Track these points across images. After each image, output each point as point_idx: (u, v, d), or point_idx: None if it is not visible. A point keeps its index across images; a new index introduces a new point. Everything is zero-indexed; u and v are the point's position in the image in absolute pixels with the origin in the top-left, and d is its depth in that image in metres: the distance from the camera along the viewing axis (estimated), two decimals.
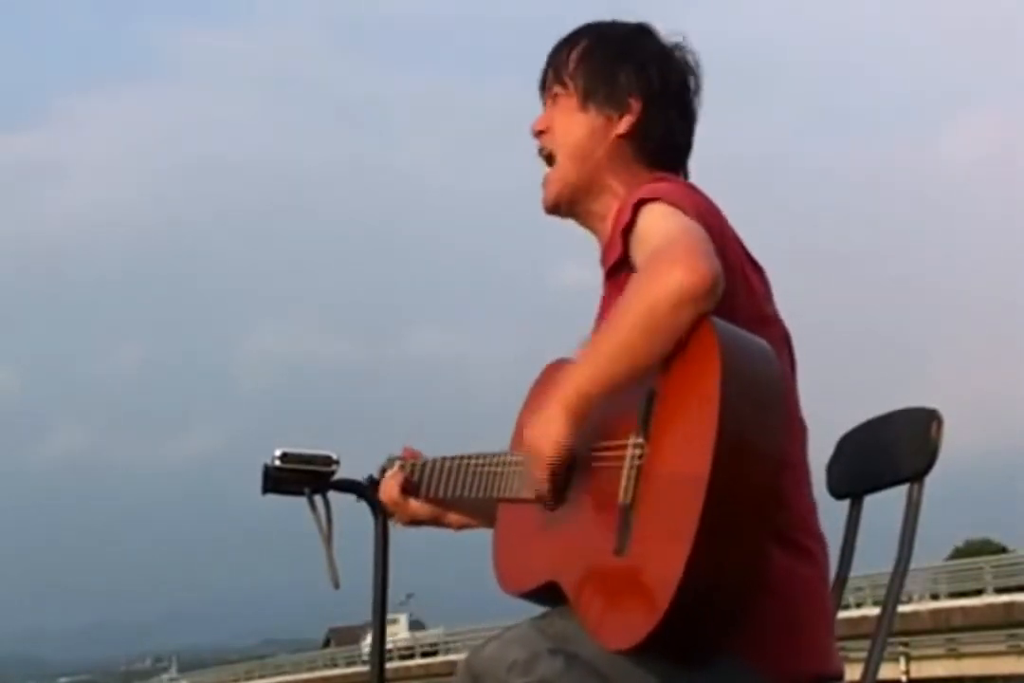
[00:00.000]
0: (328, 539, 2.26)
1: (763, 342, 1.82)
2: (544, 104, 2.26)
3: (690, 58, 2.22)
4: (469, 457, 2.25)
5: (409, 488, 2.32)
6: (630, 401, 1.85)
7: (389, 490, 2.33)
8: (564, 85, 2.21)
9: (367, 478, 2.41)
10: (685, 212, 1.93)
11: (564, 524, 1.97)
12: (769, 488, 1.74)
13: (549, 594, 2.00)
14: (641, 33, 2.23)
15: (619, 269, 2.00)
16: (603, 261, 2.10)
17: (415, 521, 2.37)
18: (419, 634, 57.98)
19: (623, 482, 1.82)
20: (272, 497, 2.29)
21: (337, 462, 2.29)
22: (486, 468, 2.19)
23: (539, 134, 2.24)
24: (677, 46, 2.22)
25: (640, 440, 1.82)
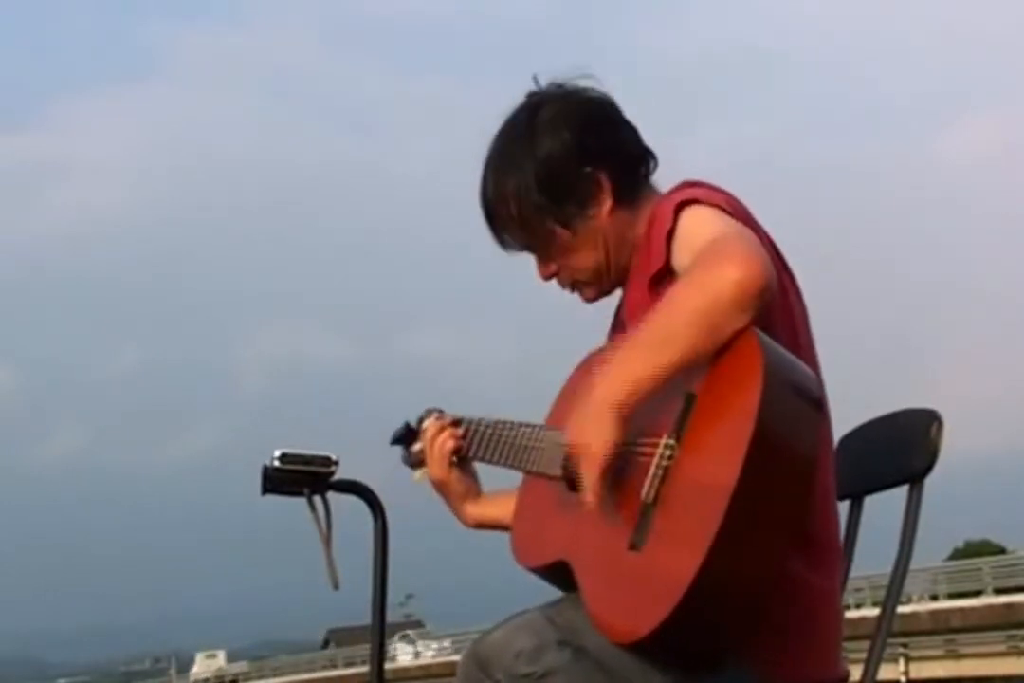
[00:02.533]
0: (327, 540, 2.26)
1: (805, 366, 1.82)
2: (530, 251, 2.18)
3: (586, 84, 2.17)
4: (505, 425, 2.26)
5: (459, 449, 2.32)
6: (668, 401, 1.84)
7: (444, 446, 2.32)
8: (536, 237, 2.14)
9: (403, 426, 2.41)
10: (725, 210, 1.92)
11: (583, 508, 1.96)
12: (793, 506, 1.75)
13: (559, 573, 2.00)
14: (529, 116, 2.15)
15: (662, 278, 1.97)
16: (641, 270, 2.05)
17: (444, 486, 2.35)
18: (226, 666, 65.19)
19: (649, 480, 1.83)
20: (271, 498, 2.29)
21: (336, 463, 2.29)
22: (519, 439, 2.20)
23: (549, 278, 2.19)
24: (560, 90, 2.16)
25: (672, 441, 1.83)
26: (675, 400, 1.84)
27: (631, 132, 2.18)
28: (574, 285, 2.19)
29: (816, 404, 1.81)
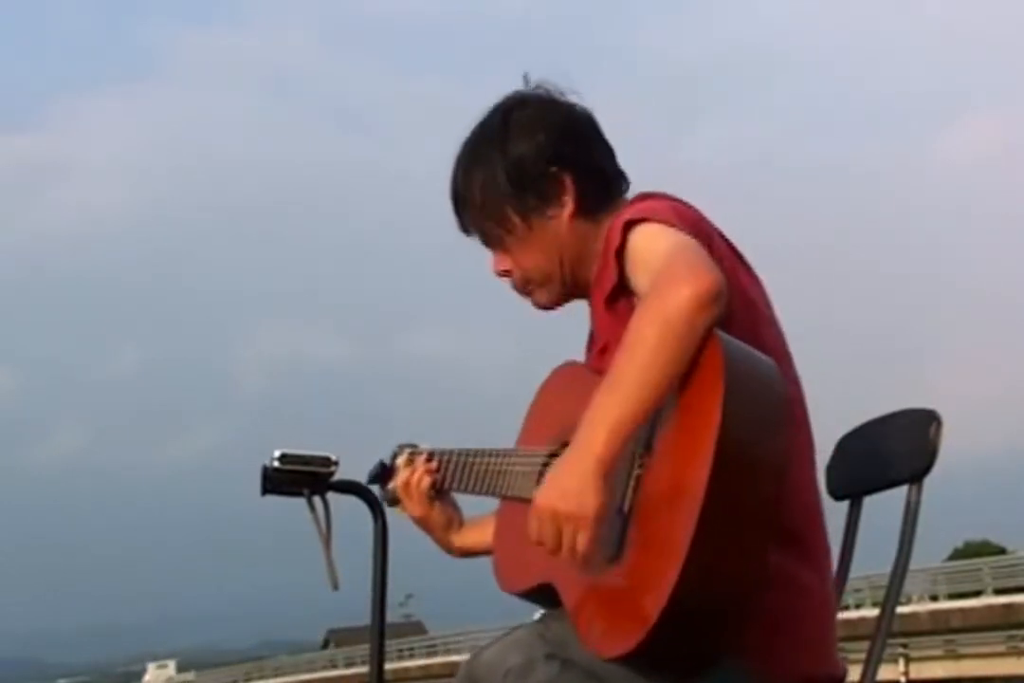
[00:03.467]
0: (327, 540, 2.26)
1: (769, 360, 1.82)
2: (487, 243, 2.21)
3: (559, 94, 2.18)
4: (476, 453, 2.26)
5: (435, 484, 2.34)
6: None
7: (420, 483, 2.34)
8: (495, 222, 2.16)
9: (378, 464, 2.41)
10: (674, 226, 1.93)
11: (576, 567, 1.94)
12: (767, 502, 1.74)
13: (545, 595, 2.01)
14: (507, 113, 2.17)
15: (617, 296, 1.99)
16: (596, 288, 2.08)
17: (425, 521, 2.37)
18: (176, 675, 66.52)
19: (620, 492, 1.82)
20: (271, 498, 2.29)
21: (336, 463, 2.29)
22: (492, 465, 2.21)
23: (504, 273, 2.21)
24: (544, 94, 2.18)
25: (641, 451, 1.83)
26: None
27: (606, 151, 2.19)
28: (525, 285, 2.20)
29: (780, 396, 1.80)
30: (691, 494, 1.69)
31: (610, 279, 1.99)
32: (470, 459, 2.28)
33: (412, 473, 2.35)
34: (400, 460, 2.38)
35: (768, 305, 2.07)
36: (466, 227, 2.21)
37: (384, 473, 2.40)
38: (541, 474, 2.05)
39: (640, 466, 1.82)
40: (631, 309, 1.88)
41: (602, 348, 2.06)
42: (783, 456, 1.77)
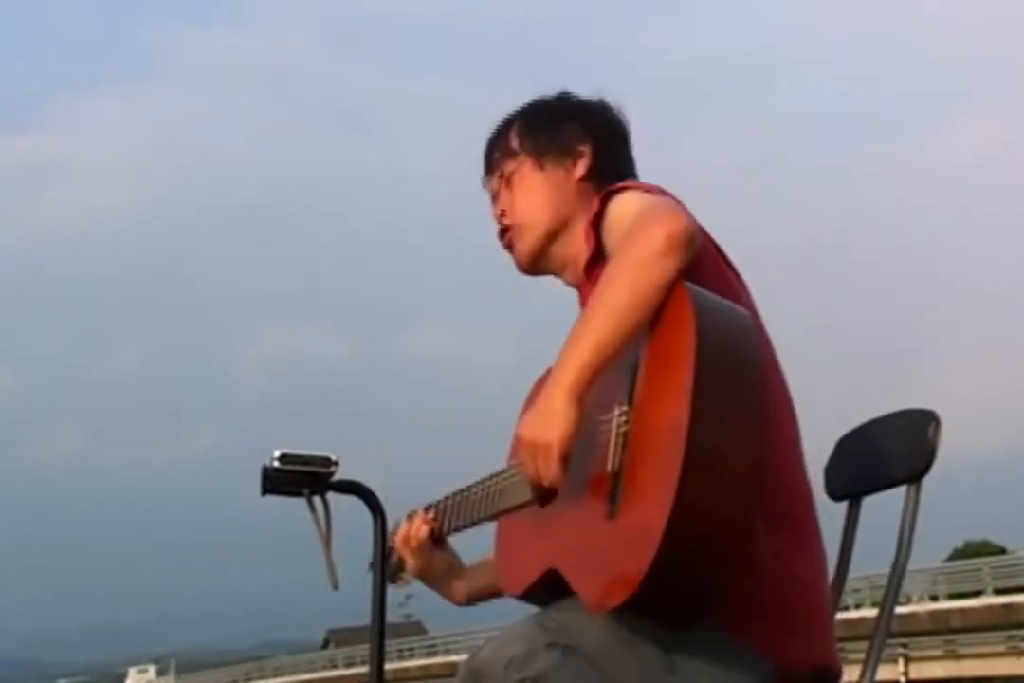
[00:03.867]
0: (327, 540, 2.26)
1: (738, 307, 1.87)
2: (495, 194, 2.33)
3: (616, 105, 2.33)
4: (471, 485, 2.30)
5: (434, 532, 2.38)
6: (621, 371, 1.88)
7: (419, 535, 2.39)
8: (514, 158, 2.30)
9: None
10: (653, 194, 2.00)
11: (555, 512, 1.99)
12: (750, 440, 1.75)
13: (550, 587, 2.00)
14: (567, 95, 2.34)
15: (594, 262, 2.05)
16: (581, 260, 2.14)
17: (428, 573, 2.41)
18: (156, 680, 67.23)
19: (611, 450, 1.85)
20: (271, 498, 2.29)
21: (336, 463, 2.29)
22: (483, 491, 2.25)
23: (503, 215, 2.30)
24: (603, 98, 2.33)
25: (625, 408, 1.85)
26: (624, 369, 1.87)
27: (630, 160, 2.32)
28: (514, 225, 2.27)
29: (752, 339, 1.82)
30: (674, 436, 1.72)
31: (589, 248, 2.06)
32: (465, 494, 2.31)
33: (410, 526, 2.40)
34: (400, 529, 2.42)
35: (751, 304, 2.07)
36: (492, 154, 2.33)
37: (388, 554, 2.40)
38: None
39: (627, 423, 1.85)
40: None
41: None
42: (762, 396, 1.79)
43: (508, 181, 2.30)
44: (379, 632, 2.36)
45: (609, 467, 1.84)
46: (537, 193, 2.26)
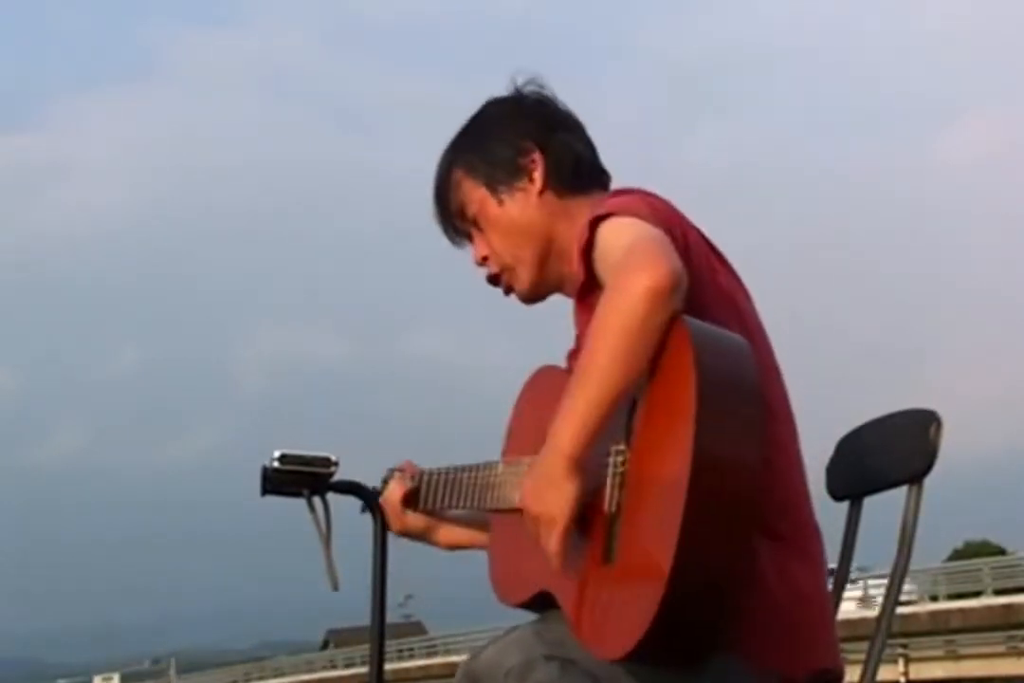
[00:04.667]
0: (327, 540, 2.26)
1: (738, 338, 1.83)
2: (468, 237, 2.26)
3: (537, 86, 2.24)
4: (464, 469, 2.28)
5: (409, 499, 2.36)
6: (620, 410, 1.84)
7: (391, 498, 2.38)
8: (471, 200, 2.21)
9: (371, 489, 2.42)
10: (642, 218, 1.94)
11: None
12: (751, 487, 1.73)
13: (544, 604, 2.01)
14: (487, 105, 2.26)
15: (587, 291, 2.00)
16: (571, 280, 2.08)
17: (407, 533, 2.41)
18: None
19: (608, 491, 1.83)
20: (271, 499, 2.29)
21: (336, 463, 2.29)
22: (479, 479, 2.23)
23: (483, 261, 2.25)
24: (521, 87, 2.24)
25: (622, 447, 1.84)
26: (622, 407, 1.84)
27: (587, 145, 2.24)
28: (503, 270, 2.22)
29: (751, 372, 1.78)
30: (674, 487, 1.69)
31: (580, 276, 2.01)
32: (455, 476, 2.30)
33: (391, 492, 2.39)
34: (391, 482, 2.41)
35: (748, 299, 2.07)
36: (446, 220, 2.26)
37: (377, 498, 2.41)
38: None
39: (623, 463, 1.83)
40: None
41: (576, 345, 2.08)
42: (762, 434, 1.76)
43: (476, 224, 2.23)
44: (379, 633, 2.36)
45: (606, 508, 1.83)
46: (509, 230, 2.19)
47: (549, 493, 1.81)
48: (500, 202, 2.19)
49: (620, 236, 1.92)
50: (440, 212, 2.28)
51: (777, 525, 1.92)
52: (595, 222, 1.98)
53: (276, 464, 2.25)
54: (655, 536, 1.72)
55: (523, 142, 2.18)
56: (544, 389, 2.17)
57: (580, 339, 2.08)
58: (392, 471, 2.42)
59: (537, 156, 2.18)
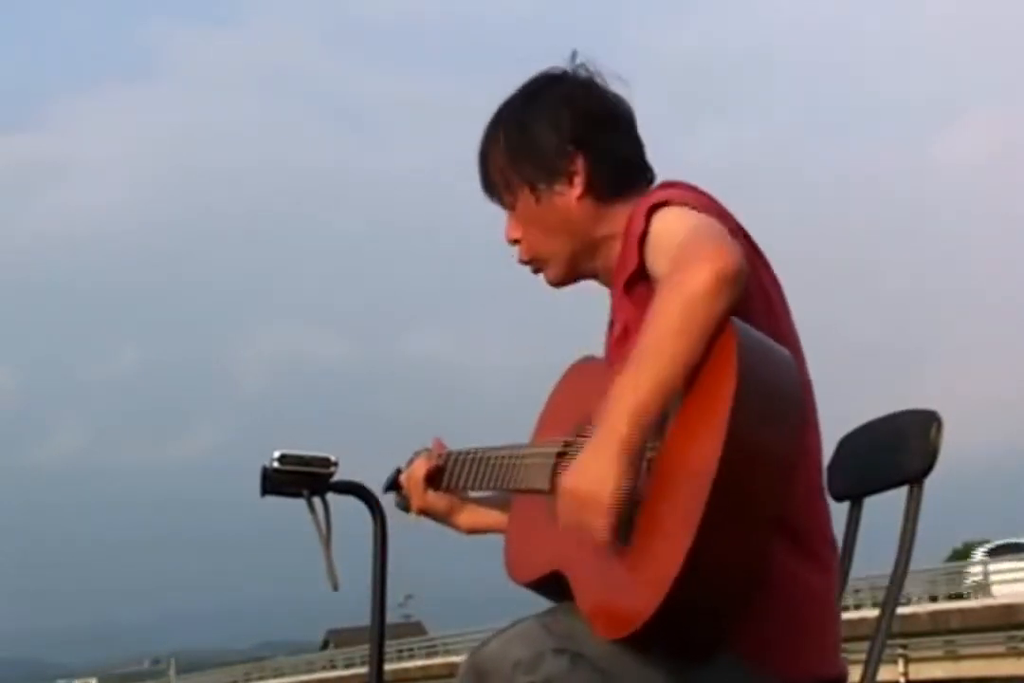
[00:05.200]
0: (327, 541, 2.26)
1: (784, 350, 1.82)
2: (505, 207, 2.23)
3: (592, 76, 2.18)
4: (491, 449, 2.26)
5: (432, 477, 2.33)
6: None
7: (414, 475, 2.35)
8: (510, 192, 2.19)
9: (394, 471, 2.41)
10: (696, 209, 1.93)
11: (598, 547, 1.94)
12: (775, 490, 1.74)
13: (553, 585, 2.00)
14: (542, 86, 2.19)
15: (636, 281, 1.99)
16: (617, 275, 2.08)
17: (427, 512, 2.37)
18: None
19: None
20: (271, 499, 2.29)
21: (336, 464, 2.29)
22: (506, 460, 2.20)
23: (514, 242, 2.22)
24: (577, 76, 2.18)
25: (654, 435, 1.82)
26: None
27: (634, 142, 2.19)
28: (531, 259, 2.21)
29: (794, 383, 1.80)
30: (700, 478, 1.69)
31: (631, 263, 1.99)
32: (482, 455, 2.27)
33: (416, 468, 2.35)
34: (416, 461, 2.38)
35: (785, 305, 2.07)
36: (486, 186, 2.24)
37: (397, 481, 2.40)
38: (556, 465, 2.04)
39: (653, 449, 1.82)
40: (650, 295, 1.88)
41: (620, 335, 2.06)
42: (795, 444, 1.77)
43: (512, 208, 2.21)
44: (379, 633, 2.36)
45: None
46: (544, 227, 2.16)
47: (601, 478, 1.77)
48: (538, 200, 2.16)
49: (678, 225, 1.91)
50: (482, 180, 2.24)
51: (796, 529, 1.92)
52: (651, 210, 1.97)
53: (276, 464, 2.25)
54: (676, 521, 1.72)
55: (569, 145, 2.13)
56: (582, 379, 2.16)
57: (621, 327, 2.06)
58: (418, 453, 2.40)
59: (581, 162, 2.13)
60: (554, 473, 2.02)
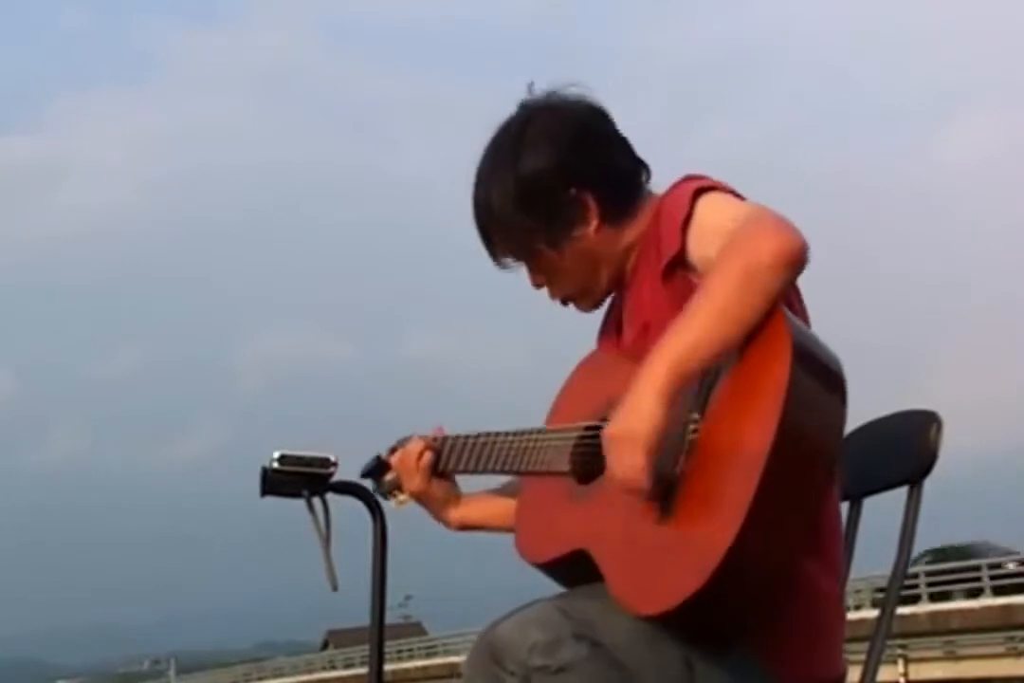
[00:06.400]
0: (326, 541, 2.25)
1: (829, 347, 1.82)
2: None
3: (557, 95, 2.13)
4: (492, 433, 2.24)
5: (437, 457, 2.30)
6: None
7: (407, 457, 2.31)
8: (527, 257, 2.14)
9: (373, 458, 2.39)
10: (740, 197, 1.93)
11: (599, 495, 1.95)
12: (818, 483, 1.75)
13: (571, 566, 1.98)
14: (517, 134, 2.12)
15: (674, 269, 1.96)
16: (650, 265, 2.03)
17: (423, 497, 2.34)
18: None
19: (673, 454, 1.81)
20: (271, 499, 2.29)
21: (335, 464, 2.28)
22: (515, 443, 2.17)
23: (540, 287, 2.19)
24: (550, 102, 2.13)
25: (696, 416, 1.82)
26: (702, 377, 1.83)
27: (621, 146, 2.15)
28: (565, 299, 2.19)
29: (840, 384, 1.79)
30: (752, 458, 1.69)
31: (673, 247, 1.95)
32: (484, 439, 2.24)
33: (414, 448, 2.32)
34: (410, 445, 2.34)
35: (802, 305, 2.06)
36: (495, 255, 2.18)
37: (379, 467, 2.39)
38: (576, 447, 2.02)
39: (695, 431, 1.81)
40: (686, 284, 1.87)
41: (644, 326, 2.03)
42: (839, 437, 1.77)
43: (534, 267, 2.15)
44: (378, 633, 2.36)
45: (668, 470, 1.81)
46: (573, 271, 2.13)
47: (635, 419, 1.77)
48: (561, 253, 2.11)
49: (731, 210, 1.89)
50: (491, 253, 2.18)
51: (818, 540, 1.92)
52: (696, 194, 1.94)
53: (275, 465, 2.25)
54: (723, 503, 1.72)
55: (572, 189, 2.08)
56: (598, 368, 2.16)
57: (643, 317, 2.03)
58: (402, 441, 2.38)
59: (587, 197, 2.08)
60: (573, 454, 2.01)
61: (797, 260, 1.77)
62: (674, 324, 1.79)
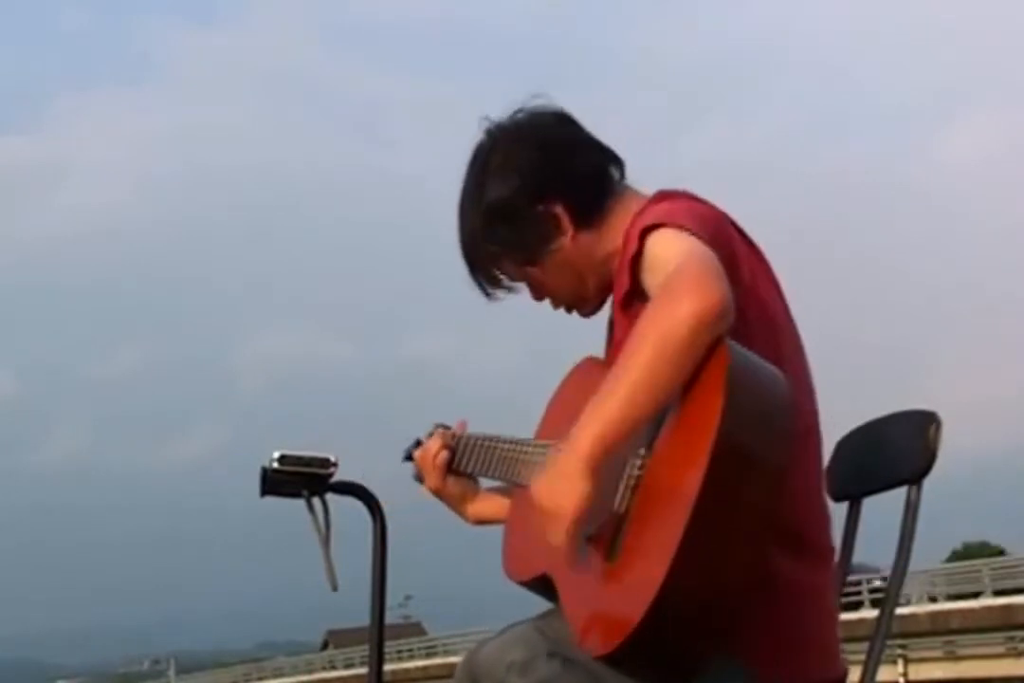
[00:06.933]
0: (326, 541, 2.26)
1: (774, 369, 1.82)
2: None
3: (523, 115, 2.17)
4: (501, 440, 2.30)
5: (453, 459, 2.38)
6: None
7: (425, 455, 2.39)
8: (514, 276, 2.20)
9: (414, 442, 2.45)
10: (690, 231, 1.92)
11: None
12: (764, 506, 1.74)
13: (546, 587, 2.02)
14: (480, 167, 2.17)
15: (631, 300, 2.01)
16: (615, 289, 2.09)
17: (440, 494, 2.41)
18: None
19: (620, 492, 1.85)
20: (271, 499, 2.29)
21: (335, 464, 2.29)
22: (510, 453, 2.25)
23: (540, 301, 2.24)
24: (507, 127, 2.17)
25: (642, 452, 1.84)
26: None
27: (585, 148, 2.17)
28: (567, 306, 2.24)
29: (784, 406, 1.79)
30: (683, 497, 1.70)
31: (623, 285, 2.01)
32: (491, 444, 2.31)
33: (431, 447, 2.39)
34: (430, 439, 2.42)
35: (788, 314, 2.07)
36: (484, 290, 2.23)
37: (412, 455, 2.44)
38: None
39: (640, 468, 1.84)
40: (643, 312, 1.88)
41: (618, 345, 2.06)
42: (782, 463, 1.77)
43: (521, 281, 2.22)
44: (378, 633, 2.36)
45: (614, 508, 1.85)
46: (559, 282, 2.18)
47: (561, 492, 1.81)
48: (543, 269, 2.17)
49: (667, 249, 1.91)
50: (473, 276, 2.23)
51: (797, 534, 1.93)
52: (645, 232, 1.96)
53: (275, 465, 2.25)
54: (657, 539, 1.73)
55: (541, 204, 2.12)
56: (584, 379, 2.18)
57: (617, 337, 2.08)
58: (437, 426, 2.44)
59: (561, 212, 2.13)
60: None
61: (714, 320, 1.76)
62: (600, 391, 1.81)
